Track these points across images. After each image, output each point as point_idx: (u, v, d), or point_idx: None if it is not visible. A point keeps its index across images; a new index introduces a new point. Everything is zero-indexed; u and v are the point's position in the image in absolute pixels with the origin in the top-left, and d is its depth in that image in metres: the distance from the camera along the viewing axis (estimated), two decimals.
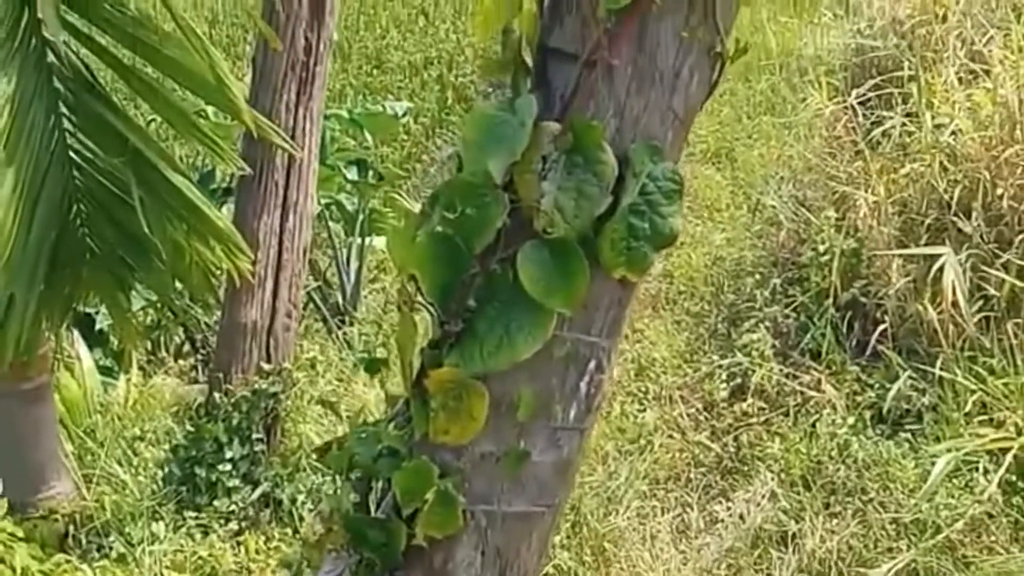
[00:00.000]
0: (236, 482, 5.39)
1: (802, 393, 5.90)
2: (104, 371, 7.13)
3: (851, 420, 5.58)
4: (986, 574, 4.68)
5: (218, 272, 4.90)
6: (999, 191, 5.77)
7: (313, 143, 5.46)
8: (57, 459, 5.56)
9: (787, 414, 5.85)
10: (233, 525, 5.40)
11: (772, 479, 5.49)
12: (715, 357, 6.44)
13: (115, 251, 4.73)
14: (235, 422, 5.46)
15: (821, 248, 6.33)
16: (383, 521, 2.27)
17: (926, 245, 5.90)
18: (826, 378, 5.92)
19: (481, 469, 2.22)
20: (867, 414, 5.65)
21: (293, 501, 5.48)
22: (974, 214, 5.78)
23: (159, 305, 7.34)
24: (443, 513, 2.20)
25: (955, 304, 5.50)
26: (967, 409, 5.25)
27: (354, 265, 8.27)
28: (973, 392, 5.28)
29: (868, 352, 5.96)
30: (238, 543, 5.36)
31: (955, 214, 5.87)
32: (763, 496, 5.41)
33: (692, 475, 5.75)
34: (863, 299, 6.10)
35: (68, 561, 5.17)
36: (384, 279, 8.79)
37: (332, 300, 8.16)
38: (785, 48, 10.45)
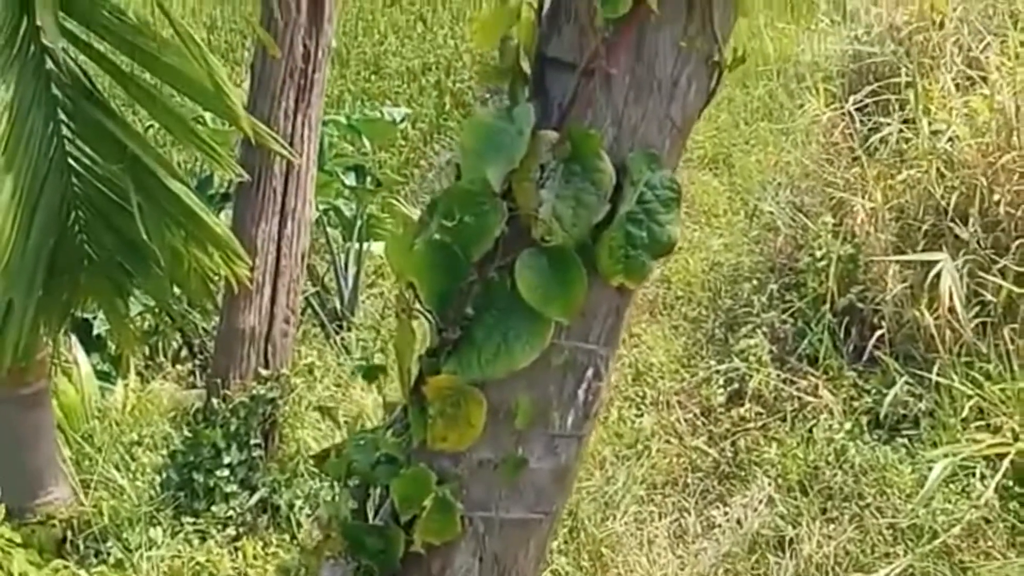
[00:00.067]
0: (234, 488, 5.39)
1: (799, 398, 5.91)
2: (102, 376, 7.13)
3: (848, 425, 5.58)
4: None
5: (216, 278, 4.90)
6: (996, 197, 5.78)
7: (311, 150, 5.47)
8: (55, 464, 5.56)
9: (784, 419, 5.86)
10: (231, 531, 5.39)
11: (769, 484, 5.49)
12: (712, 362, 6.44)
13: (113, 257, 4.73)
14: (233, 428, 5.46)
15: (818, 254, 6.34)
16: (381, 528, 2.28)
17: (923, 251, 5.91)
18: (823, 383, 5.92)
19: (479, 476, 2.23)
20: (864, 419, 5.65)
21: (291, 507, 5.48)
22: (971, 220, 5.79)
23: (157, 311, 7.35)
24: (441, 520, 2.21)
25: (952, 310, 5.51)
26: (964, 415, 5.26)
27: (352, 270, 8.27)
28: (970, 398, 5.29)
29: (865, 357, 5.97)
30: (236, 549, 5.36)
31: (952, 220, 5.88)
32: (760, 501, 5.41)
33: (689, 480, 5.75)
34: (860, 305, 6.11)
35: (66, 567, 5.17)
36: (382, 284, 8.79)
37: (330, 305, 8.16)
38: (782, 54, 10.46)
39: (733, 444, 5.83)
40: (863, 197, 6.38)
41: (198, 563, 5.25)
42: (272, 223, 5.42)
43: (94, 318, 7.14)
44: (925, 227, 6.04)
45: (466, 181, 2.10)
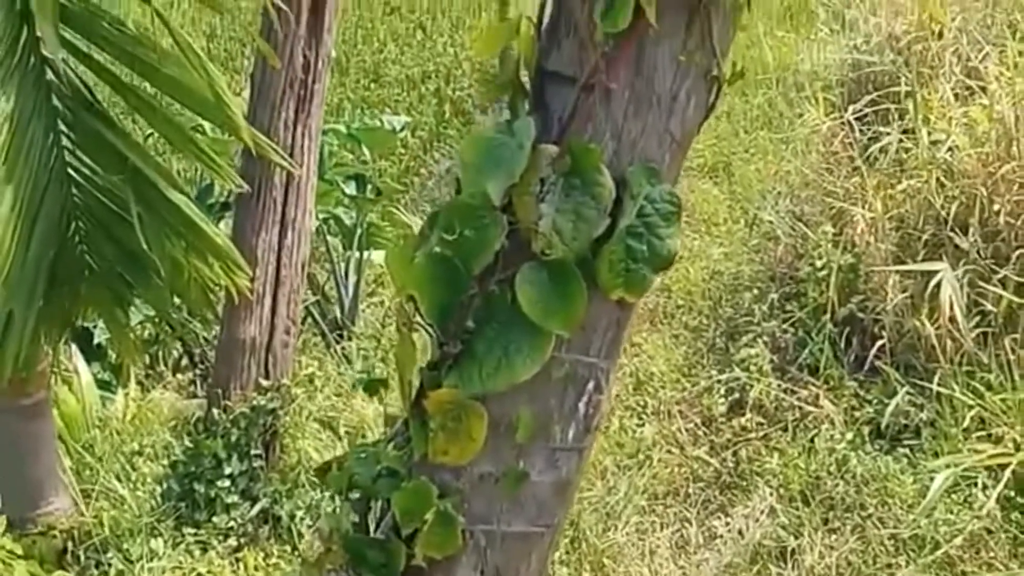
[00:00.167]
0: (235, 498, 5.39)
1: (800, 408, 5.91)
2: (102, 385, 7.12)
3: (849, 435, 5.59)
4: None
5: (216, 289, 4.90)
6: (996, 207, 5.79)
7: (311, 160, 5.47)
8: (56, 475, 5.56)
9: (785, 429, 5.86)
10: (232, 541, 5.39)
11: (771, 494, 5.49)
12: (713, 372, 6.45)
13: (114, 268, 4.73)
14: (234, 438, 5.46)
15: (819, 263, 6.34)
16: (382, 541, 2.28)
17: (923, 261, 5.91)
18: (824, 393, 5.92)
19: (480, 489, 2.23)
20: (865, 429, 5.66)
21: (292, 517, 5.48)
22: (971, 230, 5.80)
23: (157, 320, 7.35)
24: (442, 533, 2.21)
25: (952, 320, 5.51)
26: (965, 425, 5.27)
27: (352, 279, 8.27)
28: (971, 407, 5.29)
29: (866, 367, 5.98)
30: (237, 560, 5.35)
31: (952, 230, 5.89)
32: (762, 511, 5.41)
33: (691, 490, 5.75)
34: (861, 314, 6.11)
35: None
36: (382, 293, 8.79)
37: (331, 315, 8.16)
38: (782, 63, 10.48)
39: (734, 454, 5.83)
40: (863, 207, 6.38)
41: (199, 574, 5.25)
42: (272, 233, 5.42)
43: (95, 327, 7.14)
44: (925, 237, 6.04)
45: (466, 195, 2.10)
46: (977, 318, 5.60)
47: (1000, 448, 4.99)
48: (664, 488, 5.76)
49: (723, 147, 9.82)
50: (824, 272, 6.27)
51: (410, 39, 14.96)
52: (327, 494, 5.37)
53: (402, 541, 2.24)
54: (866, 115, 7.09)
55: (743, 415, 6.01)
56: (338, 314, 8.17)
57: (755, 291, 6.86)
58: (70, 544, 5.48)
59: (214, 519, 5.38)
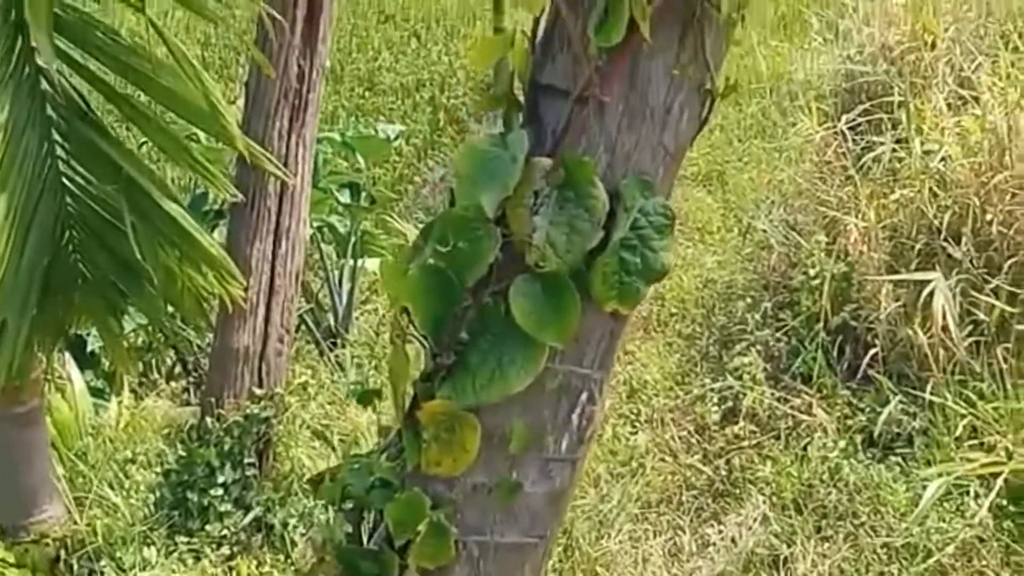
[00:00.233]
0: (228, 507, 5.38)
1: (793, 417, 5.92)
2: (95, 392, 7.11)
3: (842, 444, 5.60)
4: None
5: (210, 297, 4.90)
6: (988, 217, 5.81)
7: (306, 169, 5.47)
8: (49, 483, 5.55)
9: (778, 437, 5.87)
10: (225, 550, 5.38)
11: (764, 502, 5.50)
12: (707, 380, 6.46)
13: (107, 276, 4.73)
14: (227, 447, 5.45)
15: (812, 272, 6.36)
16: (376, 552, 2.29)
17: (916, 270, 5.93)
18: (817, 402, 5.94)
19: (473, 500, 2.24)
20: (858, 438, 5.68)
21: (285, 525, 5.47)
22: (964, 239, 5.82)
23: (151, 328, 7.34)
24: (435, 544, 2.22)
25: (945, 329, 5.53)
26: (957, 433, 5.29)
27: (346, 287, 8.27)
28: (963, 416, 5.31)
29: (859, 376, 5.99)
30: (230, 568, 5.35)
31: (945, 239, 5.91)
32: (755, 519, 5.42)
33: (684, 498, 5.75)
34: (854, 323, 6.13)
35: None
36: (376, 301, 8.78)
37: (325, 324, 8.16)
38: (775, 72, 10.50)
39: (727, 462, 5.84)
40: (856, 216, 6.40)
41: None
42: (266, 242, 5.42)
43: (88, 335, 7.14)
44: (918, 246, 6.06)
45: (460, 207, 2.11)
46: (970, 327, 5.63)
47: (992, 457, 5.00)
48: (657, 496, 5.77)
49: (717, 156, 9.84)
50: (817, 281, 6.28)
51: (405, 47, 14.97)
52: (320, 502, 5.36)
53: (395, 552, 2.25)
54: (859, 125, 7.10)
55: (736, 423, 6.01)
56: (332, 322, 8.17)
57: (748, 300, 6.87)
58: (63, 552, 5.47)
59: (207, 527, 5.38)
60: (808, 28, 9.88)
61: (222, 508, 5.37)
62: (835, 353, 6.15)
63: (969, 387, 5.45)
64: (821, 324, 6.17)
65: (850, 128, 7.07)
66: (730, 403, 6.16)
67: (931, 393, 5.51)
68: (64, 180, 4.48)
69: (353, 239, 8.28)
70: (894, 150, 6.63)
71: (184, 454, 5.57)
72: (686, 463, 5.94)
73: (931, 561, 4.86)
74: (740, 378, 6.18)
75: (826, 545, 5.22)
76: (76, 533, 5.53)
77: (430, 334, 2.14)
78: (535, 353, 2.10)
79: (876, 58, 7.43)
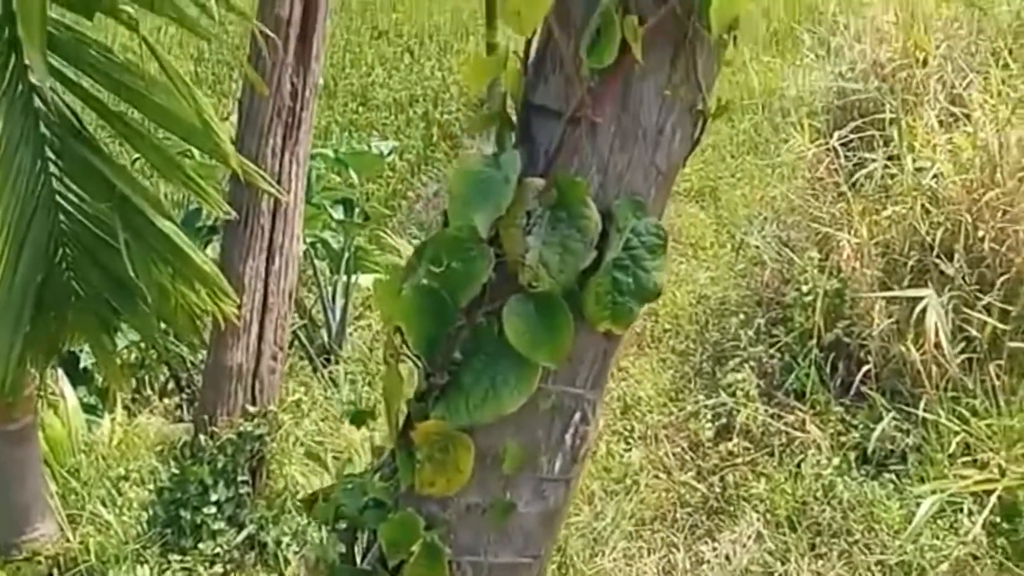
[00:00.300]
0: (221, 524, 5.37)
1: (787, 433, 5.93)
2: (88, 409, 7.10)
3: (836, 461, 5.60)
4: None
5: (203, 315, 4.90)
6: (980, 234, 5.83)
7: (299, 187, 5.48)
8: (42, 500, 5.54)
9: (772, 454, 5.87)
10: (218, 568, 5.37)
11: (758, 520, 5.50)
12: (700, 396, 6.46)
13: (100, 294, 4.73)
14: (220, 464, 5.45)
15: (805, 288, 6.37)
16: (369, 572, 2.28)
17: (909, 286, 5.94)
18: (810, 418, 5.94)
19: (467, 521, 2.23)
20: (852, 455, 5.67)
21: (278, 543, 5.46)
22: (956, 256, 5.83)
23: (144, 345, 7.33)
24: (429, 565, 2.21)
25: (938, 345, 5.54)
26: (951, 450, 5.29)
27: (340, 303, 8.27)
28: (957, 433, 5.32)
29: (852, 393, 6.00)
30: None
31: (937, 256, 5.92)
32: (749, 537, 5.42)
33: (678, 515, 5.75)
34: (847, 340, 6.14)
35: None
36: (369, 316, 8.78)
37: (318, 342, 8.15)
38: (768, 88, 10.55)
39: (721, 479, 5.84)
40: (849, 232, 6.42)
41: None
42: (260, 260, 5.42)
43: (81, 351, 7.13)
44: (911, 263, 6.07)
45: (453, 227, 2.11)
46: (962, 344, 5.64)
47: (986, 474, 5.01)
48: (651, 513, 5.76)
49: (710, 172, 9.86)
50: (810, 297, 6.30)
51: (398, 63, 15.02)
52: (314, 522, 5.35)
53: (389, 572, 2.24)
54: (851, 141, 7.13)
55: (730, 440, 6.02)
56: (325, 338, 8.17)
57: (741, 316, 6.88)
58: (55, 571, 5.45)
59: (200, 545, 5.36)
60: (800, 45, 9.94)
61: (215, 526, 5.36)
62: (828, 370, 6.15)
63: (962, 404, 5.46)
64: (814, 340, 6.18)
65: (842, 145, 7.09)
66: (724, 420, 6.16)
67: (924, 410, 5.52)
68: (57, 197, 4.47)
69: (347, 255, 8.29)
70: (886, 167, 6.65)
71: (177, 472, 5.56)
72: (680, 480, 5.93)
73: None
74: (734, 394, 6.18)
75: (820, 563, 5.22)
76: (69, 551, 5.52)
77: (423, 354, 2.14)
78: (528, 373, 2.10)
79: (868, 75, 7.47)
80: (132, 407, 7.22)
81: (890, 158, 6.69)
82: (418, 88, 14.19)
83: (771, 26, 12.32)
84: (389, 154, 10.20)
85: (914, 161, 6.43)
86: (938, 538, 4.96)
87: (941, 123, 6.69)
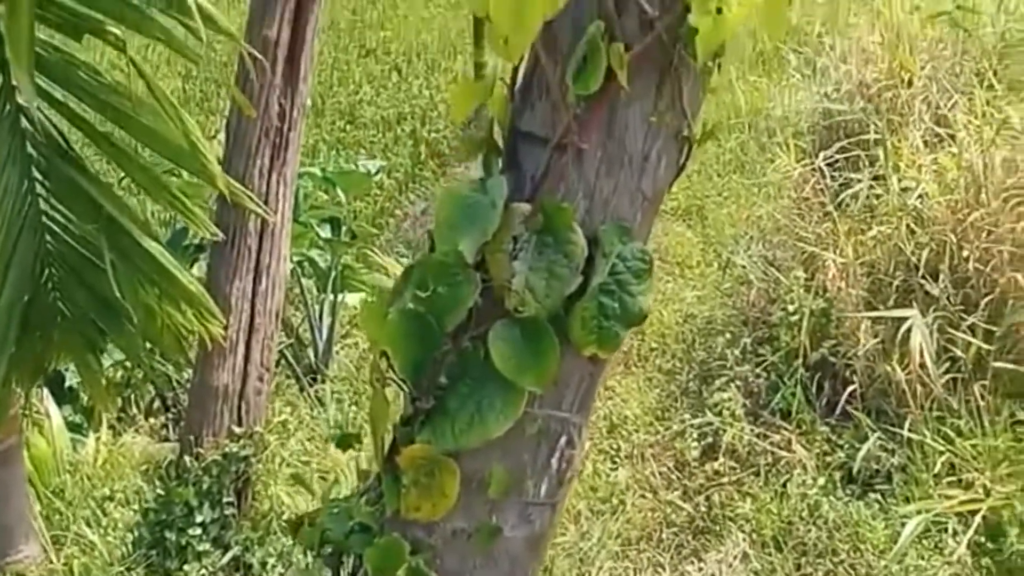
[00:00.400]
0: (206, 546, 5.35)
1: (773, 453, 5.93)
2: (73, 428, 7.08)
3: (821, 481, 5.61)
4: None
5: (189, 335, 4.89)
6: (965, 254, 5.85)
7: (286, 207, 5.47)
8: (26, 521, 5.51)
9: (758, 474, 5.88)
10: None
11: (744, 540, 5.50)
12: (686, 415, 6.46)
13: (87, 314, 4.72)
14: (206, 486, 5.43)
15: (791, 308, 6.38)
16: None
17: (894, 306, 5.96)
18: (796, 438, 5.95)
19: (453, 545, 2.24)
20: (837, 475, 5.68)
21: (264, 565, 5.44)
22: (941, 276, 5.85)
23: (129, 364, 7.31)
24: None
25: (923, 366, 5.56)
26: (936, 470, 5.31)
27: (326, 322, 8.27)
28: (941, 453, 5.34)
29: (838, 412, 6.00)
30: None
31: (922, 276, 5.94)
32: (735, 557, 5.42)
33: (664, 535, 5.75)
34: (832, 359, 6.15)
35: None
36: (356, 335, 8.78)
37: (305, 361, 8.14)
38: (754, 107, 10.59)
39: (707, 499, 5.84)
40: (834, 252, 6.44)
41: None
42: (246, 280, 5.41)
43: (66, 369, 7.11)
44: (896, 283, 6.09)
45: (440, 252, 2.12)
46: (947, 364, 5.65)
47: (970, 494, 5.03)
48: (638, 533, 5.76)
49: (697, 190, 9.89)
50: (796, 317, 6.31)
51: (386, 81, 15.05)
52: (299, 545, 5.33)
53: None
54: (837, 161, 7.16)
55: (716, 459, 6.02)
56: (312, 357, 8.16)
57: (728, 335, 6.89)
58: None
59: (185, 567, 5.34)
60: (786, 64, 9.98)
61: (200, 548, 5.34)
62: (814, 389, 6.16)
63: (947, 424, 5.48)
64: (800, 360, 6.19)
65: (828, 165, 7.12)
66: (710, 439, 6.17)
67: (909, 430, 5.54)
68: (44, 218, 4.47)
69: (334, 274, 8.29)
70: (871, 187, 6.68)
71: (162, 493, 5.54)
72: (666, 499, 5.93)
73: None
74: (720, 414, 6.19)
75: None
76: (53, 573, 5.49)
77: (409, 378, 2.15)
78: (514, 398, 2.11)
79: (853, 95, 7.50)
80: (117, 426, 7.20)
81: (875, 178, 6.72)
82: (406, 106, 14.21)
83: (757, 46, 12.38)
84: (376, 173, 10.21)
85: (899, 181, 6.46)
86: (923, 558, 4.97)
87: (926, 143, 6.73)
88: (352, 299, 8.50)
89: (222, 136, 5.72)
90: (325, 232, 8.52)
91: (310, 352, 8.24)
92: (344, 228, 8.91)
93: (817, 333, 6.26)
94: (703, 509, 5.81)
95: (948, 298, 5.79)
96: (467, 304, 2.08)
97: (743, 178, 9.60)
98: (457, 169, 12.58)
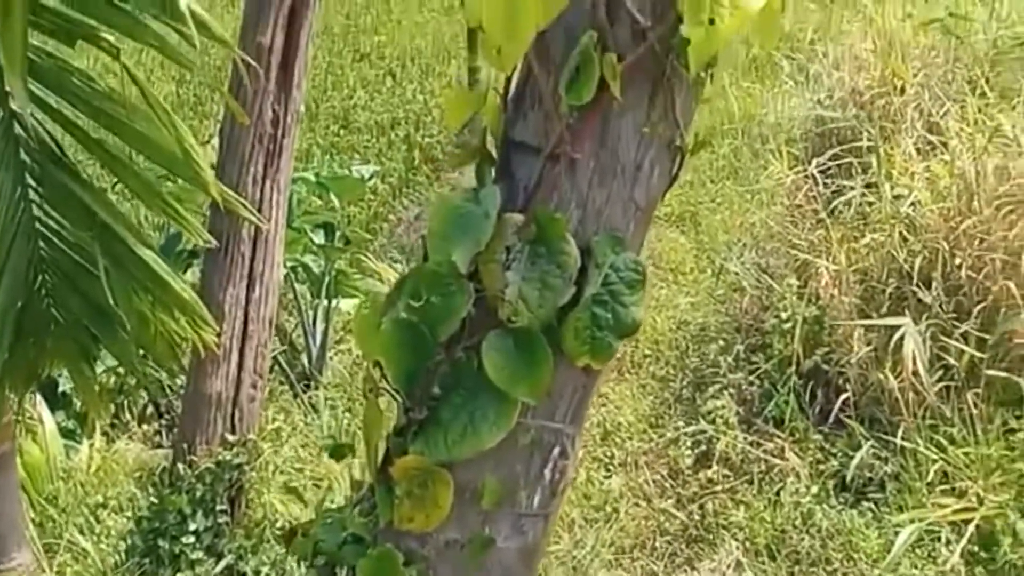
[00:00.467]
0: (200, 554, 5.33)
1: (766, 461, 5.93)
2: (67, 434, 7.08)
3: (815, 489, 5.60)
4: None
5: (183, 342, 4.88)
6: (957, 261, 5.85)
7: (280, 214, 5.46)
8: (18, 529, 5.49)
9: (751, 482, 5.88)
10: None
11: (737, 548, 5.50)
12: (680, 423, 6.46)
13: (80, 321, 4.71)
14: (199, 494, 5.41)
15: (783, 315, 6.38)
16: None
17: (887, 314, 5.97)
18: (789, 446, 5.95)
19: (446, 556, 2.23)
20: (830, 483, 5.68)
21: (257, 573, 5.41)
22: (933, 284, 5.86)
23: (122, 370, 7.30)
24: None
25: (916, 374, 5.56)
26: (929, 479, 5.30)
27: (320, 327, 8.26)
28: (935, 461, 5.33)
29: (831, 420, 5.99)
30: None
31: (915, 284, 5.95)
32: (728, 566, 5.42)
33: (658, 543, 5.74)
34: (825, 367, 6.15)
35: None
36: (350, 341, 8.77)
37: (298, 368, 8.13)
38: (747, 113, 10.61)
39: (701, 507, 5.84)
40: (827, 259, 6.44)
41: None
42: (240, 288, 5.40)
43: (59, 375, 7.09)
44: (889, 290, 6.10)
45: (433, 262, 2.12)
46: (940, 372, 5.65)
47: (963, 502, 5.03)
48: (631, 541, 5.75)
49: (690, 197, 9.90)
50: (789, 324, 6.31)
51: (380, 85, 15.06)
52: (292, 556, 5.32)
53: None
54: (829, 169, 7.17)
55: (709, 467, 6.01)
56: (306, 363, 8.15)
57: (721, 342, 6.90)
58: None
59: (178, 575, 5.33)
60: (779, 71, 10.00)
61: (194, 556, 5.32)
62: (807, 397, 6.16)
63: (940, 432, 5.48)
64: (793, 368, 6.19)
65: (820, 172, 7.13)
66: (703, 447, 6.17)
67: (902, 438, 5.53)
68: (38, 224, 4.46)
69: (327, 279, 8.28)
70: (864, 194, 6.69)
71: (156, 501, 5.52)
72: (660, 508, 5.93)
73: None
74: (713, 421, 6.19)
75: None
76: None
77: (403, 388, 2.14)
78: (507, 408, 2.11)
79: (846, 103, 7.52)
80: (111, 432, 7.19)
81: (868, 186, 6.73)
82: (400, 111, 14.22)
83: (750, 52, 12.40)
84: (370, 178, 10.22)
85: (892, 189, 6.47)
86: (916, 567, 4.96)
87: (918, 151, 6.74)
88: (346, 305, 8.49)
89: (216, 141, 5.72)
90: (319, 237, 8.52)
91: (304, 358, 8.23)
92: (338, 233, 8.92)
93: (810, 341, 6.27)
94: (697, 517, 5.81)
95: (941, 306, 5.79)
96: (460, 314, 2.08)
97: (736, 184, 9.61)
98: (451, 174, 12.59)
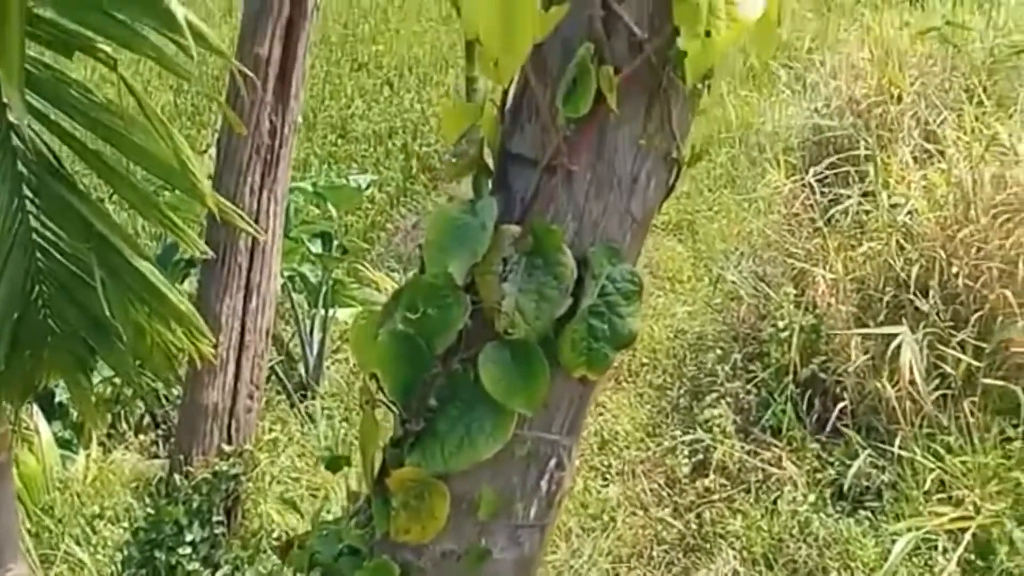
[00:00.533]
0: (196, 565, 5.32)
1: (763, 470, 5.93)
2: (63, 444, 7.06)
3: (812, 498, 5.60)
4: None
5: (179, 353, 4.87)
6: (954, 270, 5.86)
7: (277, 224, 5.47)
8: (14, 540, 5.45)
9: (749, 491, 5.88)
10: None
11: (734, 557, 5.50)
12: (677, 432, 6.47)
13: (77, 332, 4.68)
14: (195, 504, 5.41)
15: (781, 324, 6.39)
16: None
17: (884, 322, 5.97)
18: (787, 455, 5.95)
19: (442, 568, 2.23)
20: (827, 492, 5.68)
21: None
22: (931, 293, 5.86)
23: (119, 381, 7.29)
24: None
25: (913, 382, 5.56)
26: (926, 487, 5.30)
27: (317, 337, 8.26)
28: (932, 470, 5.33)
29: (828, 429, 6.01)
30: None
31: (912, 292, 5.95)
32: (725, 575, 5.41)
33: (655, 553, 5.74)
34: (822, 376, 6.16)
35: None
36: (347, 350, 8.76)
37: (295, 379, 8.12)
38: (744, 122, 10.62)
39: (698, 516, 5.84)
40: (824, 268, 6.45)
41: None
42: (237, 298, 5.40)
43: (56, 385, 7.08)
44: (886, 299, 6.11)
45: (430, 274, 2.12)
46: (937, 381, 5.66)
47: (960, 511, 5.03)
48: (628, 550, 5.75)
49: (687, 205, 9.90)
50: (786, 333, 6.32)
51: (377, 95, 15.05)
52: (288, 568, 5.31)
53: None
54: (826, 177, 7.18)
55: (707, 476, 6.02)
56: (303, 373, 8.14)
57: (718, 351, 6.90)
58: None
59: None
60: (776, 80, 10.02)
61: (190, 567, 5.31)
62: (804, 406, 6.16)
63: (937, 441, 5.48)
64: (790, 377, 6.19)
65: (818, 180, 7.15)
66: (700, 455, 6.17)
67: (899, 447, 5.54)
68: (34, 235, 4.44)
69: (324, 289, 8.28)
70: (861, 203, 6.70)
71: (152, 511, 5.52)
72: (657, 517, 5.93)
73: None
74: (710, 430, 6.19)
75: None
76: None
77: (399, 400, 2.14)
78: (504, 420, 2.10)
79: (843, 111, 7.53)
80: (107, 443, 7.18)
81: (865, 194, 6.74)
82: (397, 120, 14.22)
83: (747, 61, 12.42)
84: (368, 187, 10.23)
85: (889, 197, 6.48)
86: None
87: (915, 160, 6.75)
88: (343, 314, 8.49)
89: (213, 151, 5.72)
90: (316, 247, 8.52)
91: (300, 368, 8.22)
92: (335, 243, 8.91)
93: (807, 349, 6.27)
94: (694, 526, 5.81)
95: (938, 314, 5.80)
96: (457, 326, 2.08)
97: (733, 193, 9.61)
98: (448, 184, 12.58)
